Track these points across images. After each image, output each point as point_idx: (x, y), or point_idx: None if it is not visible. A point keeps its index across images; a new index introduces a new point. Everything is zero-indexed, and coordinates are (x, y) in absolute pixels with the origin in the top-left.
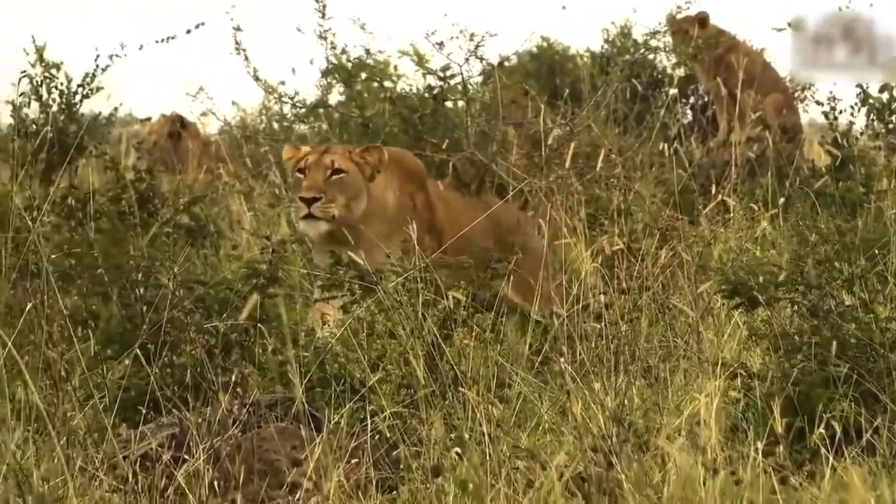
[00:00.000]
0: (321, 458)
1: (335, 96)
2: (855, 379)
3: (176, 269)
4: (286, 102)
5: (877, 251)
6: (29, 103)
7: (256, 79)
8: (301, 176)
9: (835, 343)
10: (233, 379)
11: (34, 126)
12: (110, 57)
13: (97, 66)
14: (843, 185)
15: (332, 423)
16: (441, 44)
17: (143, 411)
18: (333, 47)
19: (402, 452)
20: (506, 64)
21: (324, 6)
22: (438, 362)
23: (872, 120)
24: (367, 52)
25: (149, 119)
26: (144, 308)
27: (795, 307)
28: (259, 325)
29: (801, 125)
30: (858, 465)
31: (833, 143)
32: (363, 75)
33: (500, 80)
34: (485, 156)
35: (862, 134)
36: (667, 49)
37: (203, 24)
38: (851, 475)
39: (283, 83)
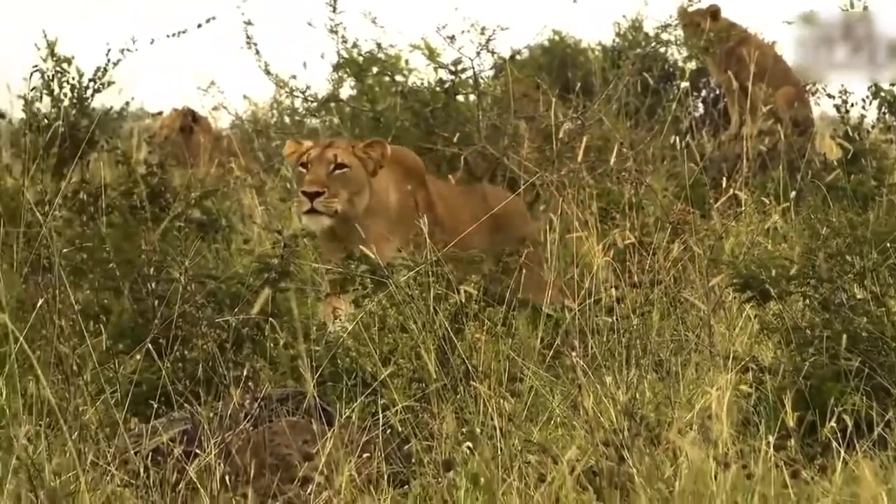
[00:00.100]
0: (332, 452)
1: (346, 90)
2: (866, 373)
3: (187, 264)
4: (297, 96)
5: (888, 244)
6: (41, 98)
7: (268, 73)
8: (303, 171)
9: (846, 337)
10: (244, 373)
11: (46, 120)
12: (122, 51)
13: (108, 60)
14: (855, 178)
15: (344, 417)
16: (452, 38)
17: (155, 406)
18: (345, 41)
19: (413, 446)
20: (517, 58)
21: (335, 0)
22: (450, 356)
23: (884, 113)
24: (379, 46)
25: (160, 113)
26: (156, 302)
27: (807, 301)
28: (270, 319)
29: (813, 118)
30: (870, 458)
31: (844, 136)
32: (374, 69)
33: (511, 73)
34: (496, 149)
35: (873, 127)
36: (678, 42)
37: (214, 18)
38: (863, 469)
39: (294, 77)
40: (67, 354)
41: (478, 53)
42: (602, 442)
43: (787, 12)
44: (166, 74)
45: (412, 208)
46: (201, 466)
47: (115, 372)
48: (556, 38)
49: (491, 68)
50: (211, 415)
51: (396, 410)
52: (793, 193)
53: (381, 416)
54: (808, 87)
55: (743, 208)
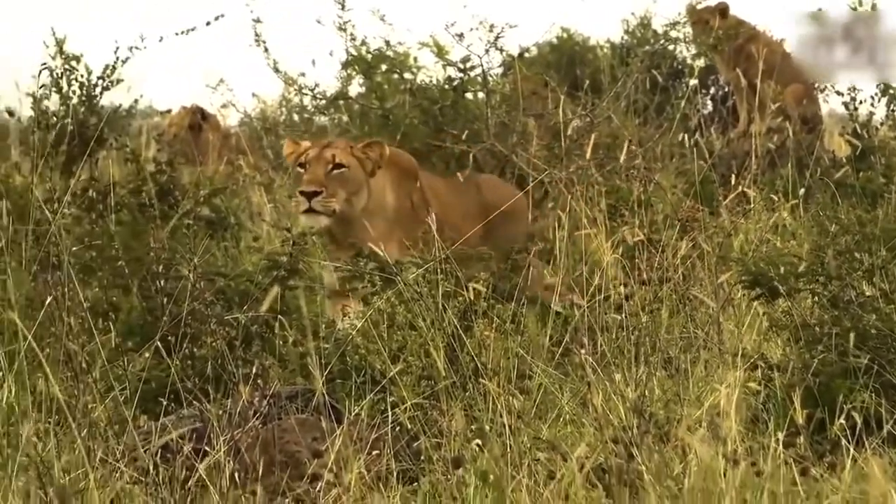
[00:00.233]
0: (342, 449)
1: (355, 88)
2: (875, 370)
3: (196, 261)
4: (306, 94)
5: None
6: (49, 96)
7: (276, 70)
8: (302, 170)
9: (855, 334)
10: (253, 371)
11: (55, 118)
12: (130, 49)
13: (117, 58)
14: (864, 175)
15: (353, 414)
16: (461, 35)
17: (164, 403)
18: (353, 39)
19: (422, 444)
20: (526, 55)
21: None
22: (459, 354)
23: (893, 110)
24: (387, 43)
25: (169, 111)
26: (165, 300)
27: (816, 298)
28: (280, 316)
29: (822, 115)
30: (879, 455)
31: (853, 133)
32: (383, 67)
33: (520, 71)
34: (505, 147)
35: (882, 124)
36: (687, 40)
37: (223, 16)
38: (872, 466)
39: (303, 75)
40: (76, 352)
41: (486, 51)
42: (611, 439)
43: (796, 10)
44: (175, 72)
45: (409, 209)
46: (210, 464)
47: (124, 369)
48: (565, 35)
49: (499, 66)
50: (220, 412)
51: (405, 408)
52: (802, 191)
53: (390, 413)
54: (816, 85)
55: (752, 205)
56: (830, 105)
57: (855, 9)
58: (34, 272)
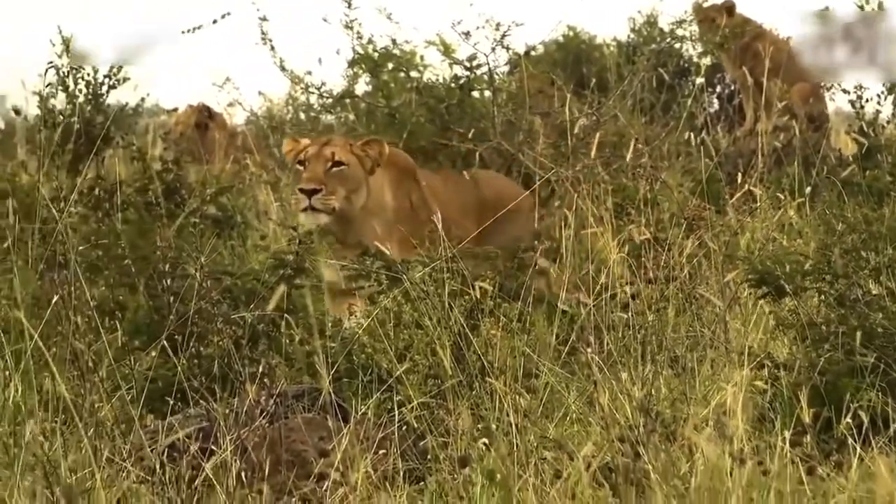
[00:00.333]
0: (348, 448)
1: (361, 86)
2: (882, 368)
3: (203, 260)
4: (313, 93)
5: None
6: (56, 94)
7: (283, 69)
8: (301, 168)
9: (862, 332)
10: (260, 370)
11: (61, 117)
12: (137, 48)
13: (124, 56)
14: (870, 173)
15: (360, 413)
16: (467, 33)
17: (171, 402)
18: (360, 37)
19: (429, 443)
20: (532, 53)
21: None
22: (465, 352)
23: None
24: (394, 41)
25: (175, 109)
26: (171, 299)
27: (822, 296)
28: (286, 315)
29: (828, 114)
30: (886, 454)
31: (860, 131)
32: (389, 65)
33: (526, 69)
34: (511, 145)
35: (889, 122)
36: (693, 38)
37: (229, 14)
38: (879, 465)
39: (309, 73)
40: (83, 351)
41: (493, 49)
42: (618, 438)
43: (802, 8)
44: (181, 71)
45: (408, 208)
46: (217, 463)
47: (130, 368)
48: (571, 33)
49: (506, 64)
50: (226, 411)
51: (412, 407)
52: (808, 189)
53: (396, 412)
54: (822, 83)
55: (758, 204)
56: (837, 103)
57: (861, 7)
58: (40, 271)
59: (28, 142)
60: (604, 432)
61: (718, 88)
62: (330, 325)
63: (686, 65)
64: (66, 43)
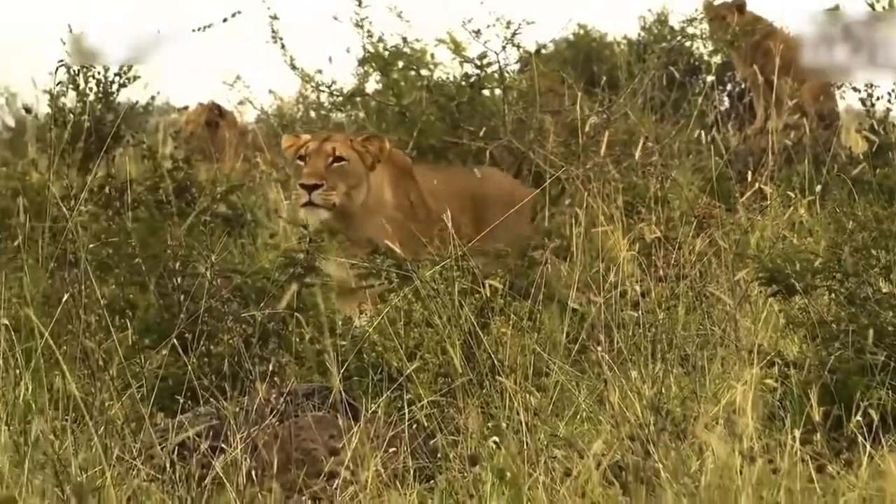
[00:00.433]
0: (358, 447)
1: (372, 85)
2: (892, 367)
3: (213, 259)
4: (323, 91)
5: None
6: (66, 93)
7: (293, 67)
8: (301, 163)
9: (872, 331)
10: (270, 368)
11: (71, 115)
12: (147, 45)
13: (134, 55)
14: (881, 171)
15: (370, 412)
16: (478, 32)
17: (181, 401)
18: (370, 36)
19: (439, 441)
20: (543, 51)
21: None
22: (476, 351)
23: None
24: (404, 40)
25: (186, 108)
26: (182, 297)
27: (833, 295)
28: (296, 314)
29: (838, 112)
30: None
31: (870, 129)
32: (400, 64)
33: (536, 67)
34: (522, 144)
35: None
36: (704, 36)
37: (240, 12)
38: (889, 463)
39: (320, 72)
40: (93, 349)
41: (503, 48)
42: (628, 436)
43: (813, 7)
44: (192, 69)
45: (407, 206)
46: (227, 461)
47: (140, 367)
48: (582, 32)
49: (516, 62)
50: (237, 410)
51: (422, 405)
52: (818, 187)
53: (406, 410)
54: (833, 82)
55: (768, 202)
56: (847, 101)
57: (872, 6)
58: (51, 269)
59: (39, 140)
60: (614, 430)
61: (729, 86)
62: (340, 323)
63: (696, 63)
64: (77, 41)
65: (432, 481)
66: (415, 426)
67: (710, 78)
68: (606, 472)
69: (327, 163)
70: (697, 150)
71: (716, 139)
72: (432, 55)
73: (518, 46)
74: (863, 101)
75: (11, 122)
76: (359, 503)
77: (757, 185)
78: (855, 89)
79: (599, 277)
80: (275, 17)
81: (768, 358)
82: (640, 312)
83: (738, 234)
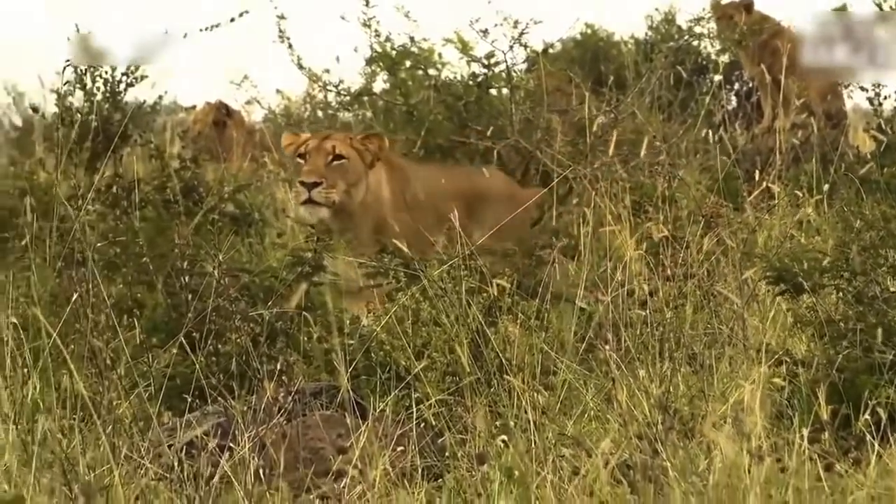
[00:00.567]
0: (366, 445)
1: (379, 84)
2: None
3: (221, 258)
4: (330, 90)
5: None
6: (74, 92)
7: (301, 67)
8: (301, 161)
9: (880, 330)
10: (278, 367)
11: (79, 115)
12: (155, 45)
13: (141, 54)
14: (888, 171)
15: (378, 410)
16: (485, 31)
17: (189, 400)
18: (377, 35)
19: (447, 440)
20: (550, 51)
21: None
22: (483, 350)
23: None
24: (412, 39)
25: (193, 107)
26: (189, 296)
27: (840, 294)
28: (304, 313)
29: (846, 111)
30: None
31: (878, 128)
32: (407, 63)
33: (544, 67)
34: (529, 143)
35: None
36: (711, 35)
37: (247, 12)
38: None
39: (327, 71)
40: (101, 348)
41: (510, 47)
42: (636, 435)
43: (820, 6)
44: (199, 69)
45: (403, 205)
46: (235, 460)
47: (148, 366)
48: (589, 31)
49: (524, 62)
50: (245, 408)
51: (430, 404)
52: (826, 186)
53: (414, 409)
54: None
55: (776, 201)
56: (855, 100)
57: (880, 6)
58: (58, 269)
59: (46, 139)
60: (622, 429)
61: (736, 86)
62: (348, 322)
63: (704, 62)
64: (84, 40)
65: (440, 480)
66: (423, 425)
67: (717, 77)
68: (614, 470)
69: (327, 161)
70: (705, 150)
71: (723, 138)
72: (440, 55)
73: (525, 46)
74: (870, 100)
75: (19, 122)
76: (367, 502)
77: (764, 184)
78: (862, 88)
79: (607, 276)
80: (282, 17)
81: (776, 357)
82: (647, 311)
83: (746, 234)
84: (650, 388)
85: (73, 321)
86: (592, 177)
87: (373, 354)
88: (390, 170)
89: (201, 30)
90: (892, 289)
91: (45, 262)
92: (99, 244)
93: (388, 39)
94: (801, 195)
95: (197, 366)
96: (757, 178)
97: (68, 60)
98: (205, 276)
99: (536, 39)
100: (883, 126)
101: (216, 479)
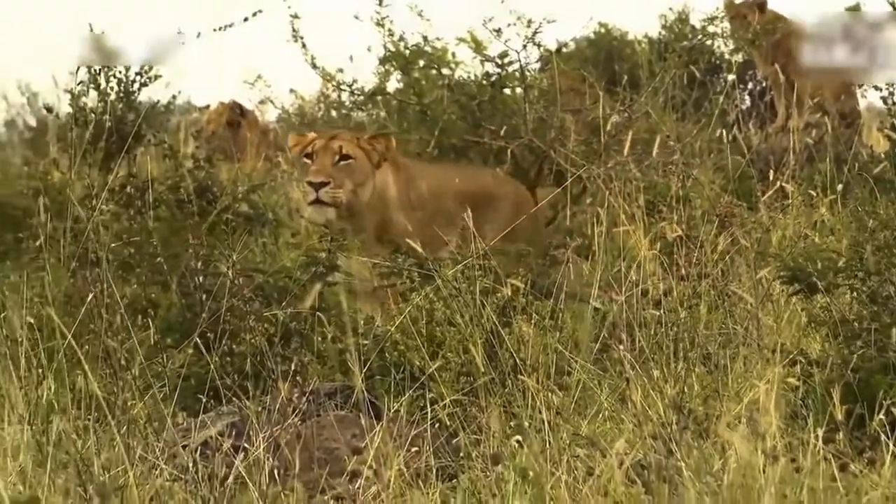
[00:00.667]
0: (381, 446)
1: (393, 84)
2: None
3: (235, 258)
4: (344, 90)
5: None
6: (87, 92)
7: (314, 66)
8: (308, 161)
9: (895, 329)
10: (292, 367)
11: (92, 115)
12: (168, 45)
13: (155, 54)
14: None
15: (392, 411)
16: (499, 30)
17: (203, 400)
18: (391, 34)
19: (461, 440)
20: (563, 50)
21: None
22: (498, 350)
23: None
24: (425, 39)
25: (207, 107)
26: (204, 296)
27: (855, 293)
28: (318, 313)
29: (860, 110)
30: None
31: (892, 128)
32: (421, 62)
33: (557, 66)
34: (543, 143)
35: None
36: (725, 35)
37: (261, 11)
38: None
39: (341, 71)
40: (115, 349)
41: (524, 46)
42: (650, 435)
43: (834, 6)
44: (213, 68)
45: (409, 205)
46: (250, 460)
47: (163, 366)
48: (603, 30)
49: (537, 61)
50: (259, 409)
51: (444, 404)
52: (840, 186)
53: (429, 409)
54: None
55: (790, 201)
56: (869, 100)
57: (893, 6)
58: (73, 269)
59: (60, 140)
60: (636, 429)
61: (750, 85)
62: (362, 322)
63: (717, 62)
64: (98, 40)
65: (455, 480)
66: (437, 425)
67: (731, 77)
68: (629, 471)
69: (334, 160)
70: (719, 149)
71: (737, 138)
72: (453, 54)
73: (539, 45)
74: (884, 99)
75: (33, 122)
76: (381, 502)
77: (778, 183)
78: (876, 88)
79: (621, 276)
80: (296, 17)
81: (791, 357)
82: (662, 311)
83: (760, 233)
84: (664, 388)
85: (88, 321)
86: (606, 176)
87: (387, 354)
88: (397, 170)
89: (215, 29)
90: None
91: (59, 263)
92: (113, 244)
93: (401, 39)
94: (814, 195)
95: (211, 366)
96: (771, 177)
97: (82, 60)
98: (219, 277)
99: (550, 39)
100: None
101: (231, 479)
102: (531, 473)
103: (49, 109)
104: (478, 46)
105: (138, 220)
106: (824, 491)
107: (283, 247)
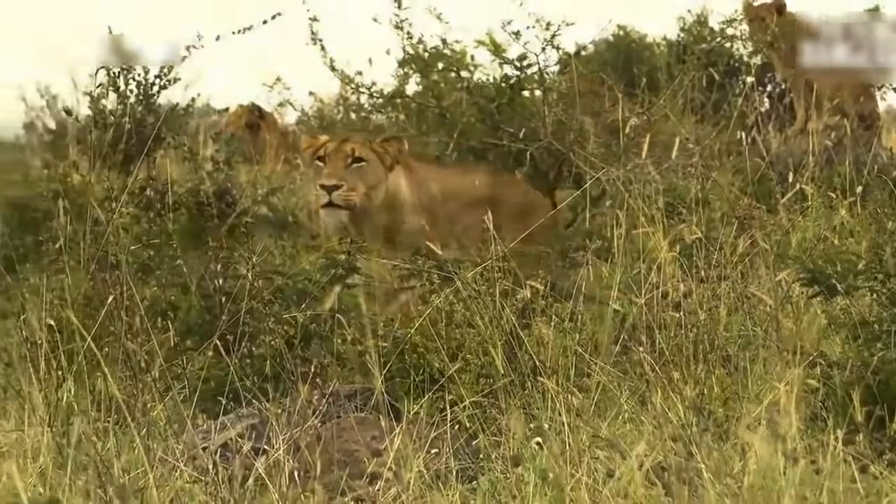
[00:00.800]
0: (401, 448)
1: (412, 86)
2: None
3: (254, 260)
4: (363, 93)
5: None
6: (107, 95)
7: (333, 69)
8: (321, 164)
9: None
10: (312, 369)
11: (112, 117)
12: (188, 48)
13: (175, 57)
14: None
15: (412, 413)
16: (517, 33)
17: (223, 402)
18: (410, 37)
19: (481, 442)
20: (582, 53)
21: None
22: (517, 352)
23: None
24: (444, 41)
25: (227, 110)
26: (223, 299)
27: (874, 295)
28: (338, 315)
29: (879, 113)
30: None
31: None
32: (440, 65)
33: (576, 69)
34: (562, 145)
35: None
36: (743, 37)
37: (280, 14)
38: None
39: (360, 73)
40: (135, 351)
41: (543, 49)
42: (670, 437)
43: (853, 7)
44: (232, 71)
45: (420, 207)
46: (270, 462)
47: (182, 368)
48: (622, 33)
49: (556, 64)
50: (279, 411)
51: (464, 406)
52: (859, 188)
53: (448, 411)
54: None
55: (809, 203)
56: (888, 102)
57: None
58: (92, 271)
59: (79, 142)
60: (656, 431)
61: (769, 87)
62: (382, 325)
63: (736, 64)
64: (117, 43)
65: (475, 482)
66: (457, 427)
67: (749, 79)
68: (649, 472)
69: (346, 163)
70: (738, 152)
71: (756, 140)
72: (472, 56)
73: (558, 48)
74: None
75: (52, 125)
76: None
77: (798, 185)
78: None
79: (641, 278)
80: (315, 19)
81: (810, 359)
82: (681, 313)
83: (780, 235)
84: (684, 389)
85: (108, 324)
86: (625, 179)
87: (407, 357)
88: (409, 173)
89: (234, 32)
90: None
91: (79, 265)
92: (133, 247)
93: (420, 41)
94: (834, 197)
95: (231, 368)
96: (790, 179)
97: (102, 63)
98: (238, 279)
99: (569, 41)
100: None
101: (251, 481)
102: (551, 475)
103: (68, 112)
104: (497, 49)
105: (158, 223)
106: (844, 493)
107: (303, 249)
